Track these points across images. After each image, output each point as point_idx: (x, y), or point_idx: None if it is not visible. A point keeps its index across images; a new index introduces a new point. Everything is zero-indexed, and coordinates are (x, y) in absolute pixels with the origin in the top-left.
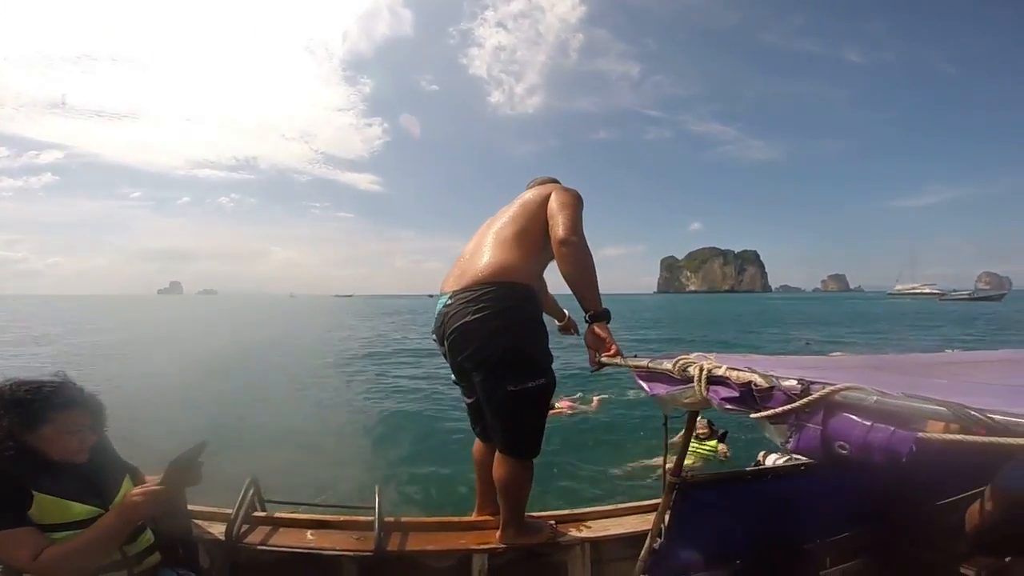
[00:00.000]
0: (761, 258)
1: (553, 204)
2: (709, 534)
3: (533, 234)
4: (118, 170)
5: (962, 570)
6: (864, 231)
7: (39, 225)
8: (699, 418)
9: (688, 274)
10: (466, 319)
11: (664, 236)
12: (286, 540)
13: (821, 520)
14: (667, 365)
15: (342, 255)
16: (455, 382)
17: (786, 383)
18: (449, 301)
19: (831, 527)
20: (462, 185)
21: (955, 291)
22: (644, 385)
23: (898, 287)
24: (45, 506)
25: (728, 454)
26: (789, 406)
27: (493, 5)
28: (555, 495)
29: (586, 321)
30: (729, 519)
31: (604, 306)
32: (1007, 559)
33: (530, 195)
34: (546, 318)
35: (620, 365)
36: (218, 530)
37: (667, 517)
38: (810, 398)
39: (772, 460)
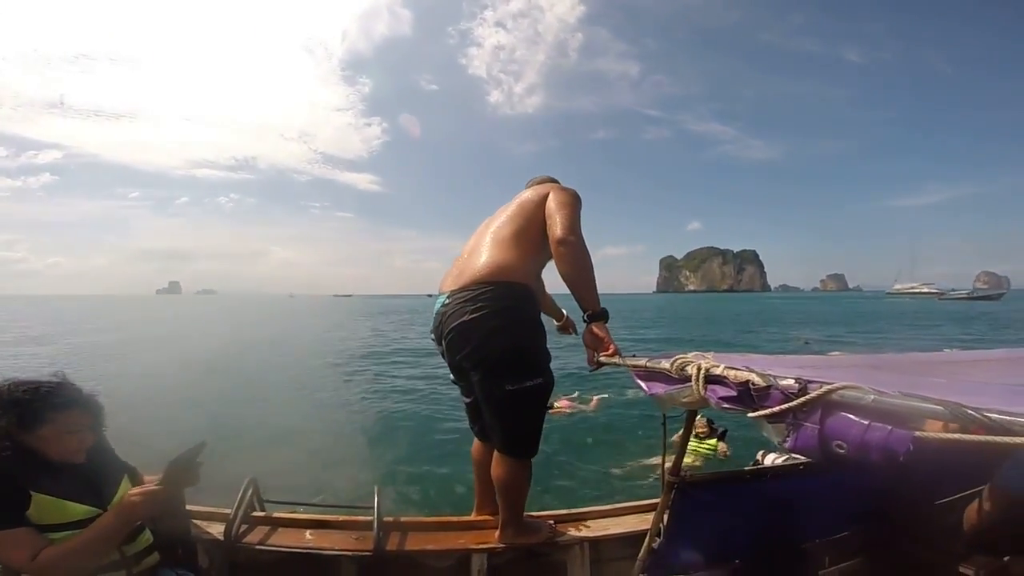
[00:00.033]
0: (760, 258)
1: (551, 204)
2: (708, 533)
3: (531, 234)
4: (117, 170)
5: (961, 569)
6: (863, 231)
7: (38, 225)
8: (699, 417)
9: (687, 274)
10: (464, 318)
11: (663, 236)
12: (285, 540)
13: (820, 519)
14: (665, 364)
15: (341, 255)
16: (454, 381)
17: (783, 382)
18: (447, 301)
19: (830, 526)
20: (461, 185)
21: (954, 290)
22: (642, 384)
23: (897, 286)
24: (43, 506)
25: (728, 453)
26: (786, 405)
27: (492, 5)
28: (554, 495)
29: (584, 321)
30: (728, 518)
31: (602, 306)
32: (1006, 558)
33: (528, 195)
34: (544, 318)
35: (618, 364)
36: (217, 530)
37: (666, 517)
38: (807, 397)
39: (771, 459)
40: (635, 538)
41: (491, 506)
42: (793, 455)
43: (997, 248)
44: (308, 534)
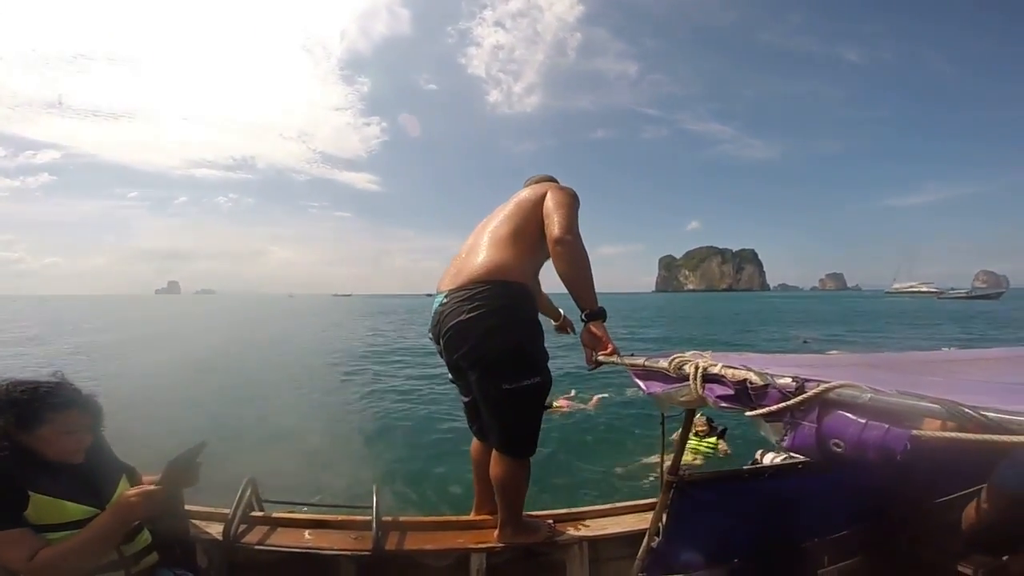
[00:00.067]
0: (759, 257)
1: (548, 203)
2: (707, 533)
3: (528, 233)
4: (115, 170)
5: (960, 568)
6: (862, 230)
7: (36, 225)
8: (698, 415)
9: (686, 273)
10: (461, 317)
11: (662, 235)
12: (284, 540)
13: (819, 518)
14: (663, 363)
15: (340, 254)
16: (452, 380)
17: (781, 381)
18: (445, 300)
19: (829, 525)
20: (460, 184)
21: (953, 289)
22: (640, 384)
23: (896, 286)
24: (42, 506)
25: (729, 451)
26: (783, 404)
27: (491, 4)
28: (553, 494)
29: (582, 320)
30: (727, 518)
31: (600, 305)
32: (1005, 557)
33: (526, 194)
34: (542, 318)
35: (617, 363)
36: (216, 530)
37: (665, 516)
38: (804, 396)
39: (770, 459)
40: (634, 537)
41: (490, 505)
42: (792, 454)
43: (996, 247)
44: (307, 534)
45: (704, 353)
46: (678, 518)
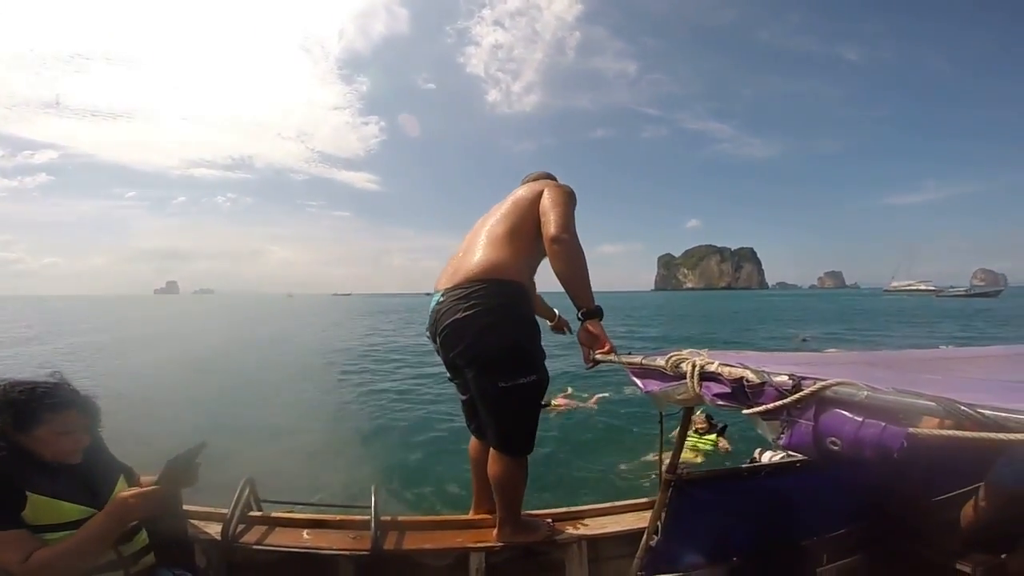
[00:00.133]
0: (758, 255)
1: (545, 201)
2: (706, 531)
3: (525, 231)
4: (114, 170)
5: (958, 566)
6: (860, 228)
7: (35, 225)
8: (698, 412)
9: (685, 271)
10: (457, 316)
11: (661, 234)
12: (282, 540)
13: (818, 517)
14: (660, 362)
15: (339, 254)
16: (450, 379)
17: (777, 379)
18: (441, 299)
19: (828, 524)
20: (459, 183)
21: (951, 287)
22: (638, 382)
23: (894, 284)
24: (39, 507)
25: (729, 448)
26: (780, 402)
27: (490, 3)
28: (552, 493)
29: (579, 319)
30: (726, 516)
31: (597, 303)
32: (1003, 555)
33: (522, 192)
34: (539, 318)
35: (614, 362)
36: (214, 530)
37: (664, 515)
38: (801, 394)
39: (768, 457)
40: (633, 536)
41: (489, 504)
42: (790, 452)
43: (994, 245)
44: (305, 534)
45: (701, 351)
46: (677, 517)
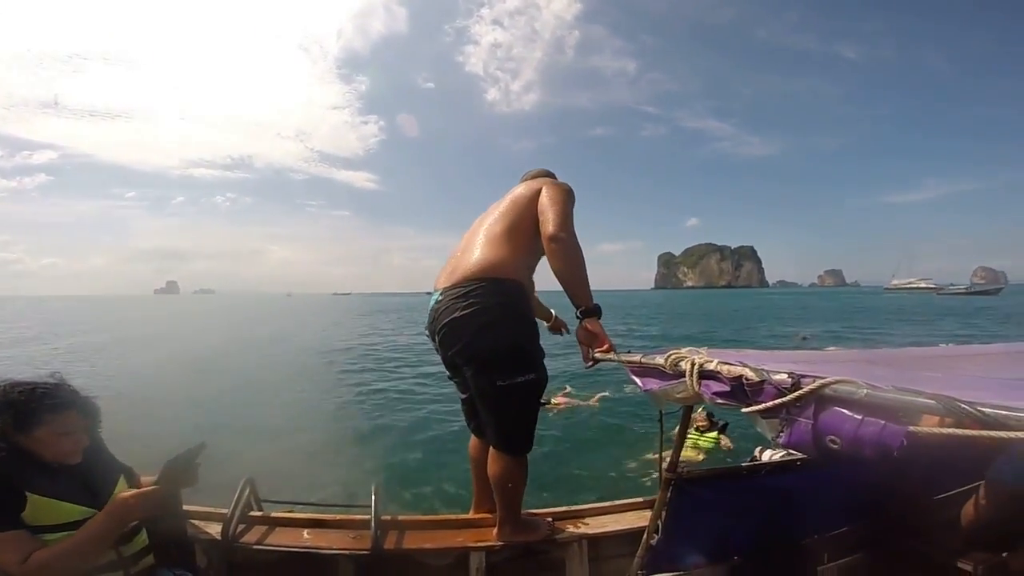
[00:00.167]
0: (758, 253)
1: (543, 199)
2: (706, 530)
3: (523, 230)
4: (113, 170)
5: (960, 565)
6: (860, 227)
7: (34, 226)
8: (699, 410)
9: (685, 270)
10: (455, 315)
11: (661, 232)
12: (283, 539)
13: (818, 515)
14: (659, 360)
15: (339, 253)
16: (449, 378)
17: (776, 377)
18: (440, 297)
19: (828, 522)
20: (458, 182)
21: (952, 285)
22: (637, 380)
23: (894, 282)
24: (39, 507)
25: (731, 446)
26: (779, 400)
27: (489, 2)
28: (552, 492)
29: (577, 317)
30: (726, 515)
31: (595, 302)
32: (1004, 554)
33: (521, 190)
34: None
35: (613, 361)
36: (214, 530)
37: (664, 513)
38: (800, 392)
39: (768, 455)
40: (634, 535)
41: (489, 504)
42: (790, 451)
43: (994, 244)
44: (306, 533)
45: (700, 349)
46: (677, 515)
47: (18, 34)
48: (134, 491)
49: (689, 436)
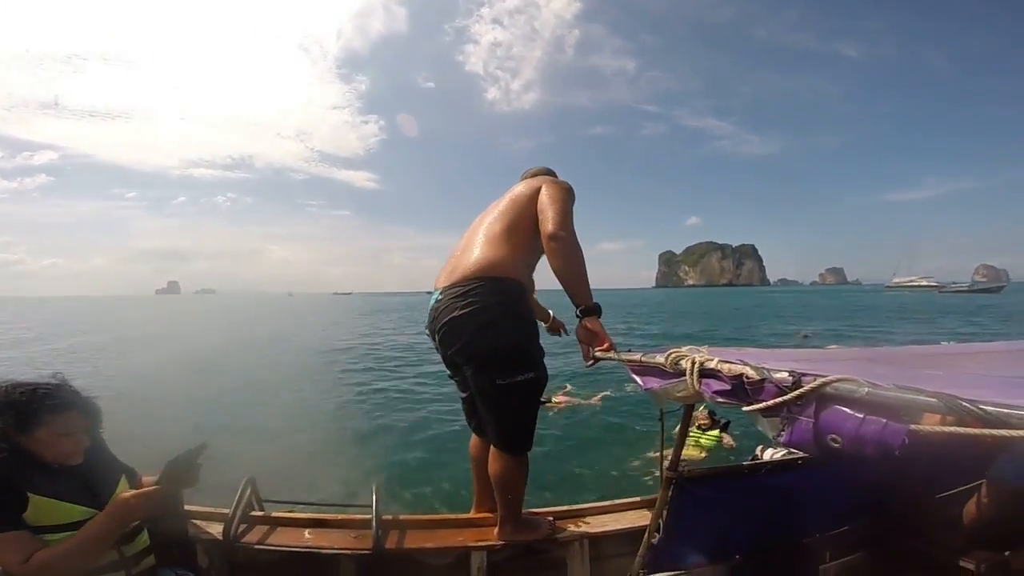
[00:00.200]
0: (759, 252)
1: (543, 198)
2: (707, 529)
3: (522, 229)
4: (113, 170)
5: (961, 564)
6: (861, 225)
7: (35, 226)
8: (701, 408)
9: (686, 268)
10: (454, 314)
11: (662, 231)
12: (284, 539)
13: (820, 514)
14: (659, 359)
15: (339, 253)
16: (450, 376)
17: (777, 375)
18: (440, 297)
19: (830, 521)
20: (459, 181)
21: (954, 283)
22: (638, 379)
23: (896, 280)
24: (41, 508)
25: (734, 444)
26: (780, 399)
27: (488, 2)
28: (553, 491)
29: (577, 316)
30: (727, 514)
31: (595, 300)
32: (1006, 553)
33: (520, 189)
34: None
35: (614, 359)
36: (216, 530)
37: (665, 512)
38: (801, 390)
39: (770, 454)
40: (635, 534)
41: (490, 503)
42: (791, 450)
43: (994, 242)
44: (307, 533)
45: (701, 348)
46: (678, 514)
47: (17, 35)
48: (135, 491)
49: (691, 434)
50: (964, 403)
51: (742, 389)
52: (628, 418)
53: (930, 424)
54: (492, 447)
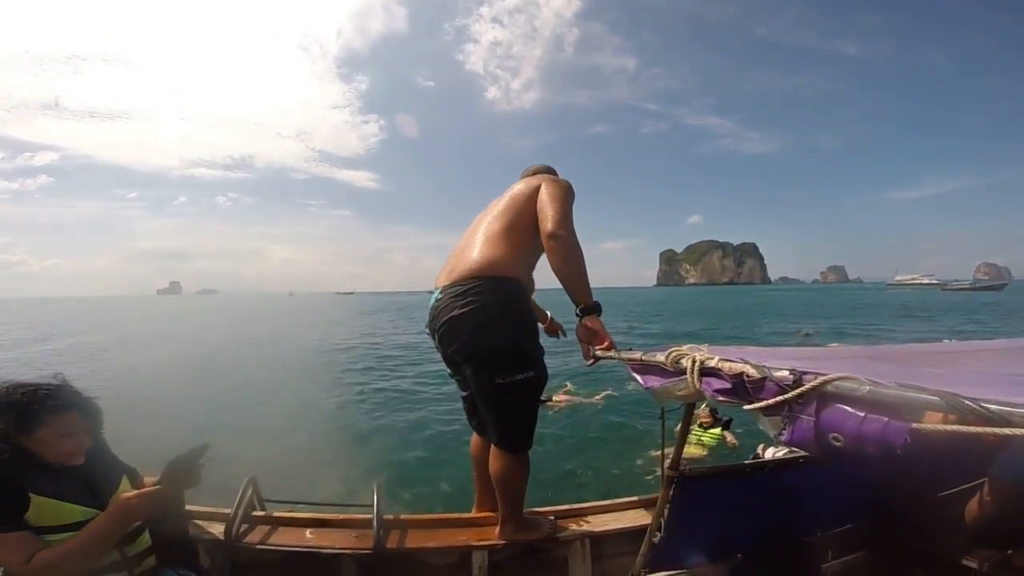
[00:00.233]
0: (760, 250)
1: (542, 197)
2: (709, 528)
3: (522, 227)
4: (114, 171)
5: (964, 562)
6: (862, 223)
7: (36, 227)
8: (703, 407)
9: (687, 267)
10: (453, 313)
11: (663, 230)
12: (285, 539)
13: (822, 513)
14: (660, 357)
15: (340, 252)
16: (451, 375)
17: (778, 374)
18: (440, 296)
19: (832, 520)
20: (459, 180)
21: (956, 281)
22: (638, 378)
23: (897, 278)
24: (42, 508)
25: (736, 443)
26: (781, 397)
27: (488, 1)
28: (554, 490)
29: (577, 315)
30: (729, 513)
31: (595, 299)
32: (1009, 551)
33: (519, 187)
34: None
35: (614, 358)
36: (217, 530)
37: (666, 511)
38: (802, 389)
39: (771, 453)
40: (636, 533)
41: (491, 502)
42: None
43: (995, 241)
44: (308, 533)
45: (702, 346)
46: (680, 513)
47: (17, 35)
48: (137, 491)
49: (693, 433)
50: (966, 401)
51: (743, 387)
52: (629, 417)
53: (932, 422)
54: (493, 446)
